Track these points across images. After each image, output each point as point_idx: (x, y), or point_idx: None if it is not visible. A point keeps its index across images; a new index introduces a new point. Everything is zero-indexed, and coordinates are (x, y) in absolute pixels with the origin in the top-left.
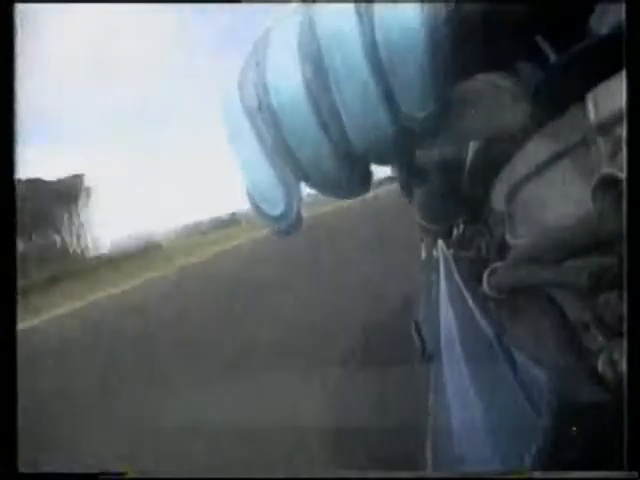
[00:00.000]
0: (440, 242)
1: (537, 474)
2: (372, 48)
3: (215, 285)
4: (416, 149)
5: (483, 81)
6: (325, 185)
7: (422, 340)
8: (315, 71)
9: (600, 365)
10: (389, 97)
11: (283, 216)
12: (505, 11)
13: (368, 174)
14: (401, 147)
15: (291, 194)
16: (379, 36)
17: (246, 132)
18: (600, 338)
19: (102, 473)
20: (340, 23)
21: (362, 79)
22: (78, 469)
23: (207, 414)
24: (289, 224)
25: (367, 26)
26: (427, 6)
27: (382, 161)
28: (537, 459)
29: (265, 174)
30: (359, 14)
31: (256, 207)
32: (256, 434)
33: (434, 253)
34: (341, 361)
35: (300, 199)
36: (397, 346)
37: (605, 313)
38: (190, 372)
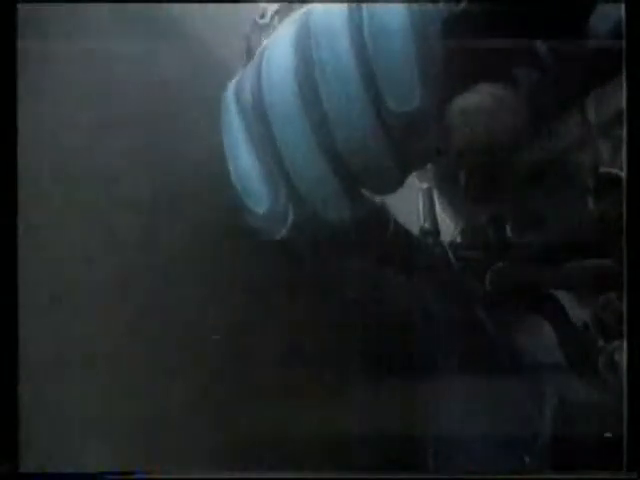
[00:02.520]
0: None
1: (537, 474)
2: (359, 41)
3: None
4: (400, 148)
5: (480, 90)
6: (302, 191)
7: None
8: (305, 66)
9: (600, 365)
10: (374, 90)
11: (267, 215)
12: (502, 11)
13: (356, 194)
14: (384, 143)
15: (278, 193)
16: (367, 29)
17: (236, 123)
18: (600, 338)
19: (102, 473)
20: (331, 17)
21: (348, 71)
22: None
23: None
24: (273, 223)
25: (356, 20)
26: (416, 4)
27: (365, 159)
28: (537, 459)
29: (251, 168)
30: (350, 9)
31: (242, 203)
32: None
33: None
34: None
35: (288, 200)
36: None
37: (605, 313)
38: None
